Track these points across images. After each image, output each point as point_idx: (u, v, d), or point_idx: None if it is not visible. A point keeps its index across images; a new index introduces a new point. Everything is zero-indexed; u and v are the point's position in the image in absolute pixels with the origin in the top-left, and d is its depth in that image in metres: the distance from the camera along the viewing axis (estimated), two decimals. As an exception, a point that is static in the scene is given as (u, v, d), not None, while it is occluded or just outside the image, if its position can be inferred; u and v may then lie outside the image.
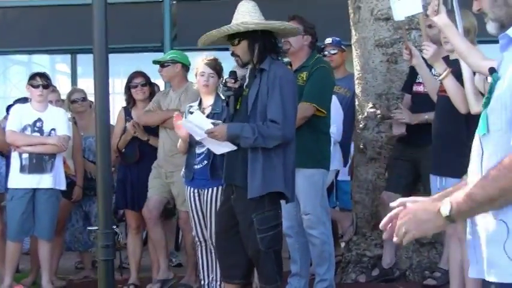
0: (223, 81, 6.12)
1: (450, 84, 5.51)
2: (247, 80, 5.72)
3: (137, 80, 7.71)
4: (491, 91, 2.77)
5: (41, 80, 7.35)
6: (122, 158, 7.61)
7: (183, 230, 7.49)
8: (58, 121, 7.37)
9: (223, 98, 6.09)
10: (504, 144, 2.67)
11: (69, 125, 7.59)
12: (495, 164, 2.62)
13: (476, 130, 2.82)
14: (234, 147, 5.46)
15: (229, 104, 5.70)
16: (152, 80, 8.11)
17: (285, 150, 5.47)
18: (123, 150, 7.63)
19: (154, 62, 7.80)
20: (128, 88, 7.78)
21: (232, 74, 5.82)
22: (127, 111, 7.78)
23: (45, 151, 7.25)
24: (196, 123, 5.57)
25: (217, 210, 6.06)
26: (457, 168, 5.16)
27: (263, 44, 5.53)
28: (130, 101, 7.78)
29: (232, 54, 5.63)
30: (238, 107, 5.66)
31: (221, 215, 5.81)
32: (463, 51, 5.11)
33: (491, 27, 2.93)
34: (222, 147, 5.58)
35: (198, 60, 6.75)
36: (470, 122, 5.23)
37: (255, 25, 5.49)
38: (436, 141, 5.80)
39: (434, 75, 6.07)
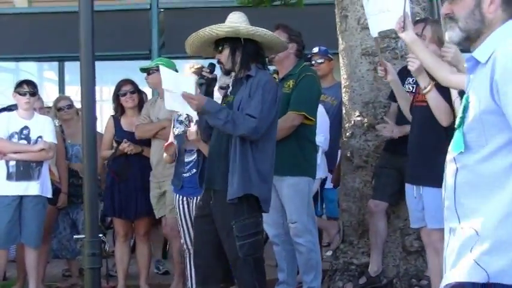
0: (200, 70, 6.19)
1: (433, 97, 5.53)
2: (230, 87, 5.74)
3: (126, 88, 7.71)
4: (464, 111, 2.87)
5: (28, 88, 7.34)
6: (115, 176, 7.58)
7: (169, 237, 7.49)
8: (44, 129, 7.37)
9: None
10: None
11: (55, 132, 7.59)
12: None
13: (451, 148, 2.92)
14: (193, 116, 5.52)
15: (201, 92, 5.66)
16: (140, 88, 8.11)
17: (261, 157, 5.45)
18: (111, 163, 7.61)
19: (141, 70, 7.81)
20: (117, 96, 7.77)
21: (210, 65, 5.85)
22: (116, 120, 7.78)
23: (32, 158, 7.24)
24: (184, 81, 5.54)
25: (195, 217, 6.00)
26: (435, 177, 5.21)
27: (246, 52, 5.53)
28: (119, 109, 7.78)
29: (218, 62, 5.65)
30: None
31: (198, 221, 5.75)
32: (430, 67, 5.15)
33: (455, 35, 3.00)
34: (181, 108, 5.57)
35: (185, 69, 6.77)
36: (449, 131, 5.27)
37: (230, 28, 5.51)
38: (413, 151, 5.83)
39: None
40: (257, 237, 5.51)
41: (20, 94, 7.35)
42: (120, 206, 7.57)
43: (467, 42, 3.00)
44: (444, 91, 5.49)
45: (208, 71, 5.73)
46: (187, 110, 5.51)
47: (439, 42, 5.61)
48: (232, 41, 5.54)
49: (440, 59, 5.23)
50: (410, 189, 5.88)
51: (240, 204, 5.36)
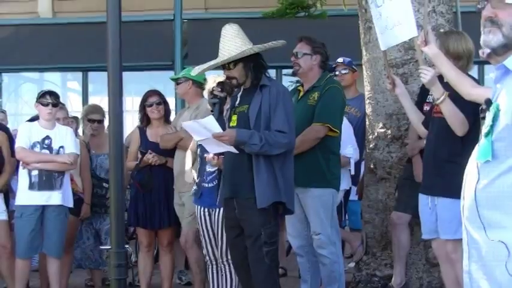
0: (211, 89, 6.26)
1: (447, 108, 5.52)
2: (238, 98, 5.81)
3: (152, 99, 7.75)
4: (494, 120, 2.82)
5: (51, 99, 7.37)
6: (140, 188, 7.61)
7: (184, 248, 7.49)
8: (66, 139, 7.39)
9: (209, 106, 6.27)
10: None
11: (77, 143, 7.63)
12: None
13: (475, 157, 2.88)
14: (236, 151, 5.52)
15: (214, 111, 5.86)
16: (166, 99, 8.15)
17: (283, 163, 5.58)
18: (135, 174, 7.63)
19: (172, 79, 7.91)
20: (143, 107, 7.81)
21: (220, 84, 5.92)
22: (141, 131, 7.81)
23: (54, 168, 7.27)
24: (207, 126, 5.58)
25: (226, 229, 6.04)
26: (450, 188, 5.21)
27: (256, 64, 5.70)
28: (144, 119, 7.81)
29: (228, 77, 5.76)
30: (233, 124, 5.74)
31: (230, 234, 5.84)
32: (452, 80, 5.14)
33: (496, 40, 2.96)
34: (221, 148, 5.62)
35: (209, 80, 6.80)
36: (466, 143, 5.27)
37: (255, 49, 5.67)
38: (429, 161, 5.82)
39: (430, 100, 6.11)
40: (278, 245, 5.72)
41: (43, 105, 7.37)
42: (144, 216, 7.58)
43: (504, 50, 2.95)
44: (462, 102, 5.47)
45: (219, 90, 5.83)
46: (226, 148, 5.57)
47: (447, 53, 5.61)
48: (244, 57, 5.66)
49: (462, 73, 5.22)
50: (424, 200, 5.86)
51: (269, 210, 5.49)
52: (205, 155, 6.37)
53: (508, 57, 2.91)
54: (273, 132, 5.48)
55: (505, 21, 2.93)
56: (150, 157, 7.51)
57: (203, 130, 5.60)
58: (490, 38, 2.98)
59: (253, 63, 5.68)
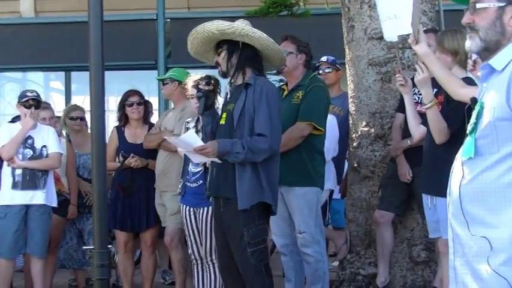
0: (197, 83, 6.20)
1: (432, 116, 5.53)
2: (229, 95, 5.75)
3: (133, 99, 7.71)
4: (478, 118, 2.88)
5: (33, 102, 7.34)
6: (122, 190, 7.58)
7: (169, 247, 7.46)
8: (49, 138, 7.37)
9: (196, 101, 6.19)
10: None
11: (62, 142, 7.60)
12: None
13: (460, 153, 2.93)
14: (220, 161, 5.47)
15: (199, 105, 5.74)
16: (146, 98, 8.12)
17: (268, 163, 5.49)
18: (116, 177, 7.61)
19: (158, 79, 7.89)
20: (123, 106, 7.76)
21: (206, 77, 5.87)
22: (120, 131, 7.77)
23: (39, 167, 7.25)
24: (188, 140, 5.58)
25: (214, 229, 6.02)
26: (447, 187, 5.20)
27: (242, 55, 5.57)
28: (123, 118, 7.77)
29: (216, 63, 5.69)
30: (223, 122, 5.66)
31: (218, 234, 5.79)
32: (441, 79, 5.15)
33: (475, 45, 3.03)
34: (205, 159, 5.59)
35: (189, 82, 6.76)
36: (462, 141, 5.26)
37: (217, 25, 5.54)
38: (427, 160, 5.81)
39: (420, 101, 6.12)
40: (265, 244, 5.61)
41: (24, 106, 7.35)
42: (121, 218, 7.54)
43: (486, 53, 3.02)
44: (451, 107, 5.48)
45: (204, 83, 5.77)
46: (210, 159, 5.54)
47: (443, 50, 5.64)
48: (231, 44, 5.58)
49: (451, 72, 5.24)
50: (425, 199, 5.84)
51: (251, 211, 5.41)
52: None
53: (497, 53, 2.97)
54: (254, 138, 5.38)
55: (480, 25, 3.01)
56: (133, 161, 7.49)
57: (185, 145, 5.60)
58: (469, 43, 3.06)
59: (238, 54, 5.56)
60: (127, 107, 7.70)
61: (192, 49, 5.84)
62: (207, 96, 5.74)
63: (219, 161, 5.46)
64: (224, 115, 5.69)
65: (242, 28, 5.51)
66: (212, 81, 5.84)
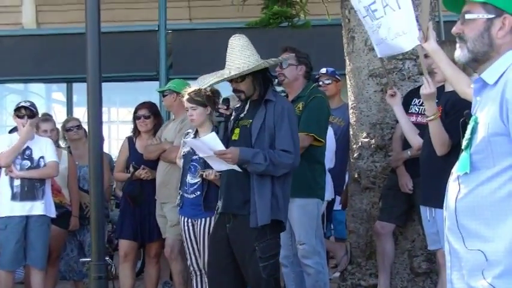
0: (216, 107, 6.15)
1: (434, 128, 5.52)
2: (245, 111, 5.67)
3: (141, 112, 7.78)
4: (472, 133, 2.89)
5: (26, 112, 7.37)
6: (131, 201, 7.59)
7: (169, 259, 7.46)
8: (46, 149, 7.40)
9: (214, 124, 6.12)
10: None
11: (64, 154, 7.63)
12: None
13: (456, 168, 2.94)
14: (239, 170, 5.42)
15: (219, 130, 5.72)
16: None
17: (284, 181, 5.47)
18: (125, 187, 7.63)
19: (159, 91, 7.92)
20: (134, 118, 7.82)
21: (226, 101, 5.84)
22: (131, 142, 7.82)
23: (37, 176, 7.25)
24: (209, 143, 5.51)
25: (210, 240, 6.00)
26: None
27: (264, 78, 5.57)
28: (136, 130, 7.82)
29: (234, 90, 5.61)
30: (235, 138, 5.60)
31: (215, 244, 5.74)
32: (450, 77, 5.14)
33: (463, 56, 3.04)
34: (225, 166, 5.52)
35: (185, 94, 6.74)
36: (459, 151, 5.26)
37: (260, 65, 5.48)
38: (425, 171, 5.80)
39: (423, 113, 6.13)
40: (277, 258, 5.57)
41: (19, 117, 7.39)
42: (128, 228, 7.55)
43: (475, 64, 3.02)
44: (451, 119, 5.47)
45: (225, 107, 5.73)
46: (229, 166, 5.47)
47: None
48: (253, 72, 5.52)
49: (459, 71, 5.22)
50: (424, 211, 5.82)
51: (264, 226, 5.36)
52: (205, 173, 6.37)
53: (485, 70, 2.97)
54: (277, 152, 5.35)
55: (469, 36, 3.01)
56: (143, 173, 7.50)
57: (205, 147, 5.53)
58: (458, 53, 3.06)
59: (262, 76, 5.54)
60: (136, 119, 7.76)
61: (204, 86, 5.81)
62: (227, 119, 5.71)
63: (239, 169, 5.41)
64: (237, 131, 5.63)
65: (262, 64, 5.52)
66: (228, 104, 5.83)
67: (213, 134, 5.61)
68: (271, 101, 5.48)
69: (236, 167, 5.40)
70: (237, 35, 5.64)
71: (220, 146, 5.39)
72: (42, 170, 7.34)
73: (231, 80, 5.56)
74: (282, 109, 5.44)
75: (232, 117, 5.78)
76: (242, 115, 5.67)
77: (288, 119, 5.43)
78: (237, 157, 5.33)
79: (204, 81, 5.68)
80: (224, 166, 5.52)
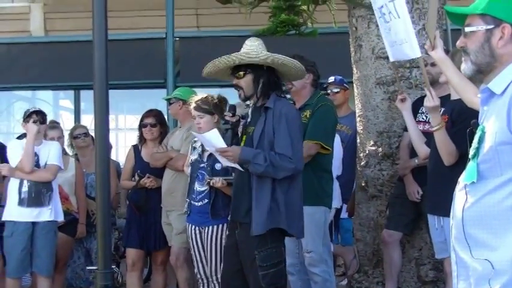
0: (223, 115, 6.11)
1: (440, 138, 5.52)
2: (249, 117, 5.66)
3: (147, 120, 7.76)
4: (479, 142, 2.89)
5: (37, 117, 7.37)
6: (136, 209, 7.59)
7: (174, 266, 7.46)
8: (50, 152, 7.37)
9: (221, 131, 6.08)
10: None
11: (71, 161, 7.62)
12: None
13: (463, 178, 2.94)
14: (241, 169, 5.41)
15: (226, 137, 5.67)
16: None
17: (289, 186, 5.40)
18: (131, 196, 7.64)
19: (165, 99, 7.92)
20: (140, 126, 7.82)
21: (232, 108, 5.82)
22: (136, 150, 7.81)
23: (33, 179, 7.22)
24: (211, 139, 5.49)
25: (224, 246, 5.99)
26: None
27: (267, 79, 5.48)
28: (142, 138, 7.82)
29: (235, 86, 5.55)
30: (242, 144, 5.57)
31: (227, 250, 5.74)
32: (456, 86, 5.13)
33: (468, 68, 3.06)
34: (229, 163, 5.51)
35: (191, 103, 6.74)
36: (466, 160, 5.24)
37: (265, 56, 5.42)
38: (432, 180, 5.78)
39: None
40: (280, 267, 5.43)
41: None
42: (134, 236, 7.55)
43: (480, 76, 3.03)
44: (458, 129, 5.46)
45: (231, 115, 5.70)
46: (230, 163, 5.48)
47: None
48: (256, 68, 5.47)
49: (466, 79, 5.21)
50: (432, 220, 5.80)
51: (265, 235, 5.30)
52: (212, 181, 6.37)
53: (492, 80, 2.98)
54: (279, 155, 5.29)
55: (471, 49, 3.03)
56: (148, 181, 7.49)
57: (208, 143, 5.56)
58: (463, 67, 3.08)
59: (265, 79, 5.46)
60: (143, 127, 7.76)
61: (209, 73, 5.70)
62: (234, 126, 5.70)
63: (241, 169, 5.40)
64: (244, 138, 5.62)
65: (277, 58, 5.45)
66: (234, 111, 5.79)
67: (215, 130, 5.62)
68: (270, 108, 5.42)
69: (238, 166, 5.41)
70: (253, 37, 5.63)
71: (221, 143, 5.41)
72: (38, 172, 7.30)
73: (235, 76, 5.52)
74: (280, 114, 5.37)
75: (241, 124, 5.76)
76: (247, 122, 5.67)
77: (286, 124, 5.34)
78: (237, 156, 5.33)
79: (205, 70, 5.66)
80: (227, 162, 5.53)
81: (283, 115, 5.38)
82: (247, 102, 5.70)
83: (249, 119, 5.66)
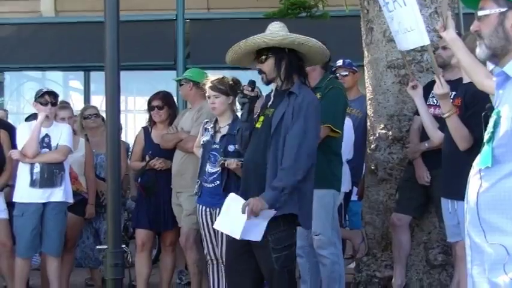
0: (241, 88, 6.03)
1: (453, 124, 5.51)
2: (272, 99, 5.53)
3: (155, 103, 7.74)
4: (495, 127, 2.88)
5: (50, 98, 7.36)
6: (144, 191, 7.59)
7: (184, 248, 7.46)
8: (62, 134, 7.37)
9: (238, 105, 6.00)
10: None
11: (81, 142, 7.65)
12: None
13: (477, 162, 2.92)
14: (273, 212, 5.20)
15: (243, 111, 5.57)
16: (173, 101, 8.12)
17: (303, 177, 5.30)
18: (139, 177, 7.64)
19: (175, 80, 7.89)
20: (148, 108, 7.83)
21: (251, 82, 5.73)
22: (146, 132, 7.81)
23: (45, 161, 7.23)
24: (231, 212, 5.32)
25: None
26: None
27: (289, 62, 5.40)
28: (151, 121, 7.81)
29: (259, 71, 5.47)
30: (258, 126, 5.47)
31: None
32: (467, 67, 5.09)
33: (482, 52, 3.04)
34: (266, 217, 5.22)
35: (207, 82, 6.72)
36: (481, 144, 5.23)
37: (281, 37, 5.33)
38: (447, 163, 5.77)
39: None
40: (292, 249, 5.40)
41: (41, 104, 7.36)
42: (149, 218, 7.55)
43: (495, 59, 3.02)
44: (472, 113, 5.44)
45: (250, 89, 5.62)
46: (268, 217, 5.23)
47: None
48: (277, 51, 5.38)
49: (477, 61, 5.19)
50: (445, 204, 5.79)
51: (276, 218, 5.22)
52: (226, 161, 6.34)
53: (507, 63, 2.96)
54: (283, 173, 5.15)
55: (485, 33, 3.01)
56: (157, 163, 7.49)
57: (232, 215, 5.31)
58: (478, 51, 3.06)
59: (287, 61, 5.37)
60: (150, 110, 7.75)
61: (233, 59, 5.61)
62: (252, 101, 5.62)
63: (272, 211, 5.20)
64: (261, 119, 5.49)
65: (299, 38, 5.36)
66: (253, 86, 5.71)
67: (230, 196, 5.47)
68: (294, 93, 5.33)
69: (269, 215, 5.20)
70: (276, 21, 5.56)
71: (240, 203, 5.21)
72: (49, 154, 7.32)
73: (258, 60, 5.44)
74: (301, 104, 5.26)
75: (262, 103, 5.69)
76: (269, 104, 5.55)
77: (304, 116, 5.23)
78: (264, 204, 5.14)
79: (227, 58, 5.59)
80: (263, 220, 5.26)
81: (304, 106, 5.27)
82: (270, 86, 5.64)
83: (270, 102, 5.54)
